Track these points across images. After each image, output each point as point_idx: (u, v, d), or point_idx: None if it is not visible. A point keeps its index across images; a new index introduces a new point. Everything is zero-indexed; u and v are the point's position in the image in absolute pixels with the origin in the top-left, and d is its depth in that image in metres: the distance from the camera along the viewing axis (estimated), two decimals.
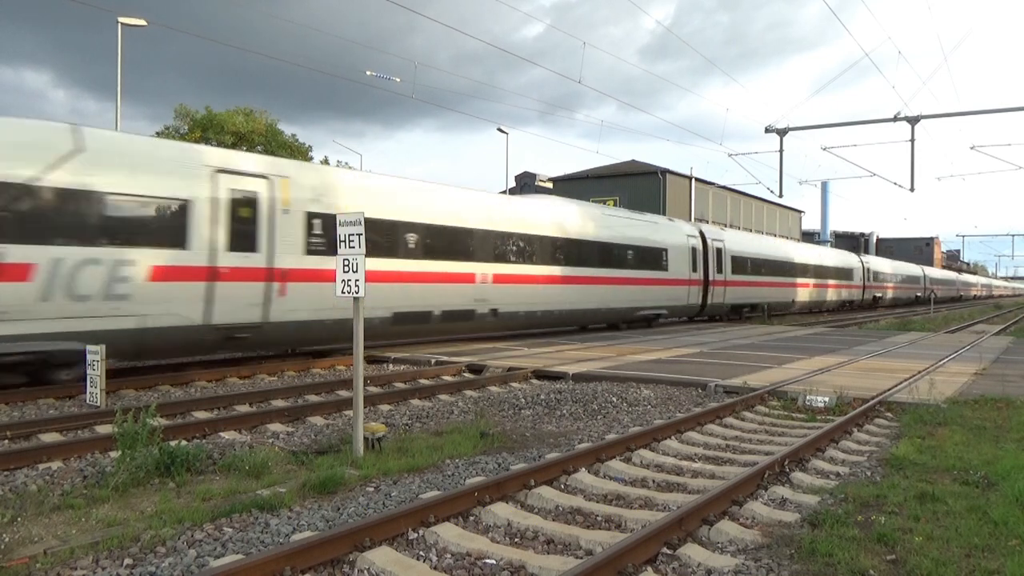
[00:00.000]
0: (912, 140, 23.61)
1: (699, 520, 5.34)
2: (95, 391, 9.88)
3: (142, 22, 25.52)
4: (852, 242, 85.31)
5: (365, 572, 4.58)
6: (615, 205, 43.29)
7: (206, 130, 39.69)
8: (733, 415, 9.66)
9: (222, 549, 4.90)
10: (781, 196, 26.75)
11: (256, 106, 46.66)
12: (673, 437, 8.27)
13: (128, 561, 4.75)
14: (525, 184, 59.15)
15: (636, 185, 51.99)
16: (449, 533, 5.15)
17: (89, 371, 9.94)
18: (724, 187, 54.36)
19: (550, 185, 56.76)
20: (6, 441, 7.89)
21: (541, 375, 13.19)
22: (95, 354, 9.90)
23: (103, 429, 8.31)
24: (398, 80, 26.45)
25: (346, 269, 7.56)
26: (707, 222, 48.15)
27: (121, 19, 25.13)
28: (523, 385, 12.44)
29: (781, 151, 25.14)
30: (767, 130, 24.86)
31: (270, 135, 41.76)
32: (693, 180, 48.95)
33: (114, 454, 6.96)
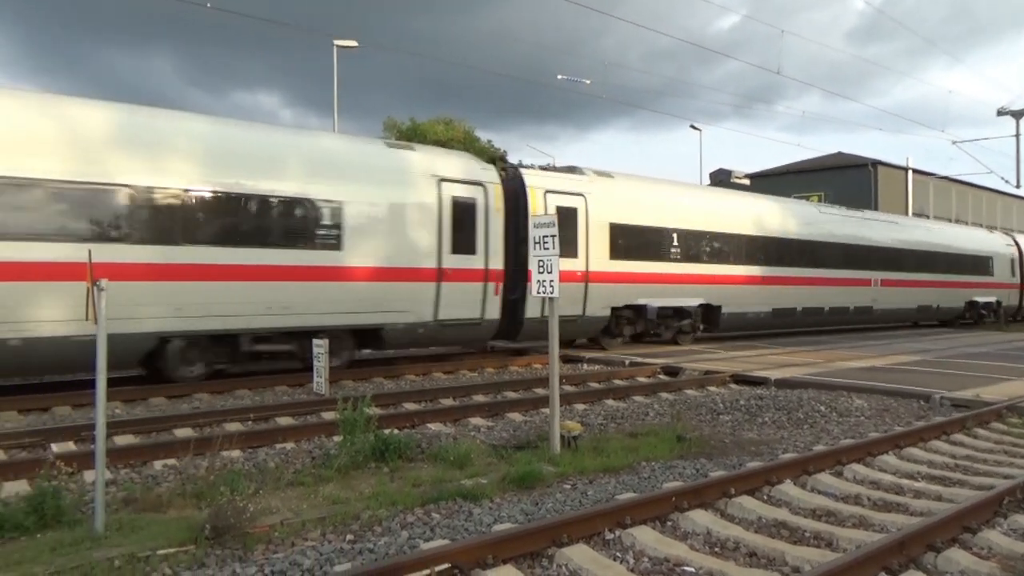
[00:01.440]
0: None
1: (924, 545, 4.87)
2: (320, 381, 10.92)
3: (354, 43, 27.80)
4: None
5: (564, 568, 4.67)
6: (819, 201, 40.50)
7: (410, 139, 42.41)
8: (963, 431, 8.69)
9: (431, 533, 5.23)
10: (1019, 187, 23.66)
11: (455, 115, 49.14)
12: (891, 452, 7.60)
13: (350, 537, 5.21)
14: (720, 181, 57.02)
15: (843, 179, 48.14)
16: (646, 536, 5.11)
17: (315, 363, 11.02)
18: (947, 178, 48.92)
19: (747, 182, 54.26)
20: (250, 422, 8.96)
21: (740, 379, 12.68)
22: (320, 347, 10.95)
23: (327, 415, 9.17)
24: (588, 82, 26.67)
25: (541, 270, 7.74)
26: (927, 217, 43.65)
27: (336, 42, 27.55)
28: (721, 389, 12.03)
29: (1018, 136, 22.24)
30: (1000, 113, 22.18)
31: (467, 142, 43.73)
32: (910, 172, 44.50)
33: (337, 438, 7.66)
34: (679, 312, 17.74)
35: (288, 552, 4.89)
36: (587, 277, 15.62)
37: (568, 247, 14.71)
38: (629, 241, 16.58)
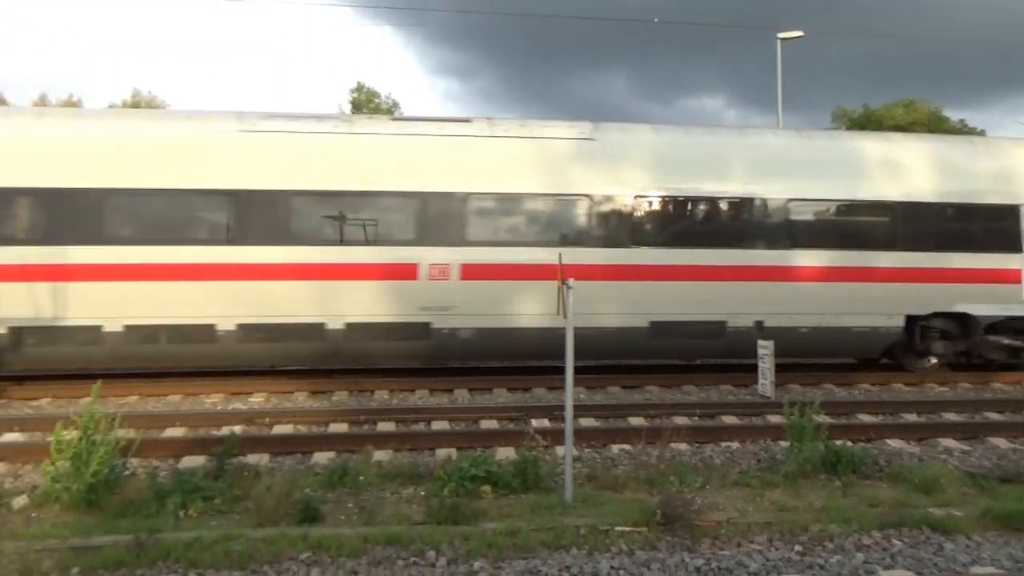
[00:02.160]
0: None
1: None
2: (766, 383, 10.73)
3: (799, 33, 26.44)
4: None
5: None
6: None
7: (864, 127, 38.84)
8: None
9: (890, 560, 4.79)
10: None
11: (917, 95, 43.50)
12: None
13: (798, 548, 5.04)
14: None
15: None
16: None
17: (760, 364, 10.86)
18: None
19: None
20: (696, 417, 9.25)
21: None
22: (766, 348, 10.76)
23: (773, 419, 8.96)
24: None
25: None
26: None
27: (779, 35, 26.53)
28: None
29: None
30: None
31: (932, 124, 38.33)
32: None
33: (783, 444, 7.45)
34: None
35: (734, 551, 4.94)
36: None
37: None
38: None
